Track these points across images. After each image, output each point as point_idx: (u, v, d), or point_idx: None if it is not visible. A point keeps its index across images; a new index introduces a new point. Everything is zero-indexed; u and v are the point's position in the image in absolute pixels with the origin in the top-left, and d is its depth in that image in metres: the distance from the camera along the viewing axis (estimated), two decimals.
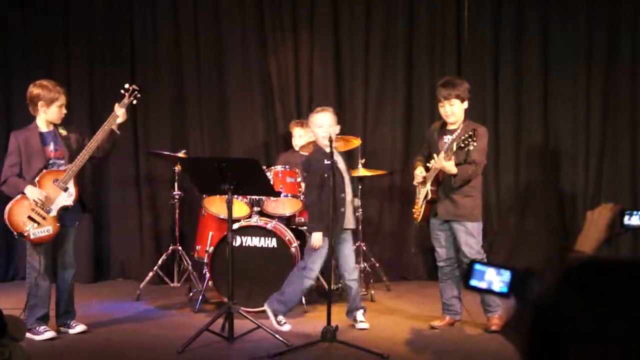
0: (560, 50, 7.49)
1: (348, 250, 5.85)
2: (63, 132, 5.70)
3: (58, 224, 5.51)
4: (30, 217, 5.42)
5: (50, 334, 5.56)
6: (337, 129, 5.76)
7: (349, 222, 5.82)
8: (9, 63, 8.03)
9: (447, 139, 5.68)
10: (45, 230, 5.46)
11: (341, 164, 5.82)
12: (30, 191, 5.44)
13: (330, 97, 7.79)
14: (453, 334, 5.73)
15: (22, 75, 7.69)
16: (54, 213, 5.48)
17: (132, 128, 7.74)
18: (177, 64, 7.96)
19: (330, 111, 5.78)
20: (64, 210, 5.53)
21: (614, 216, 2.18)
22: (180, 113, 7.98)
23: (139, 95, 5.81)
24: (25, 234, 5.43)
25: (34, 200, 5.41)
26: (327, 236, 5.58)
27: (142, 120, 7.84)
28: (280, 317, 5.80)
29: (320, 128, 5.69)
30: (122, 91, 5.80)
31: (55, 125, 5.68)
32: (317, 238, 5.69)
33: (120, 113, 5.64)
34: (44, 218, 5.45)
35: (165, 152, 7.04)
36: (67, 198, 5.52)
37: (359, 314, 5.88)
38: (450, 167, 5.43)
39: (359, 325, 5.79)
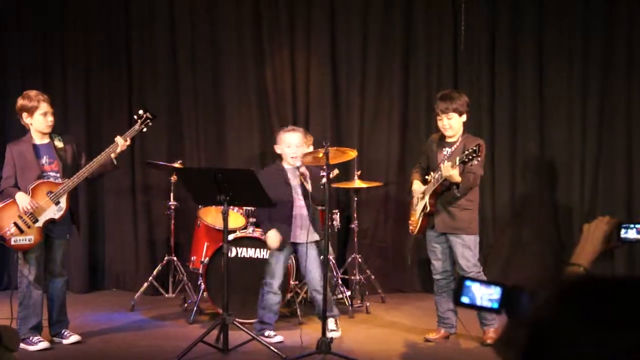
0: (556, 63, 7.51)
1: (311, 262, 5.82)
2: (59, 144, 5.70)
3: (41, 235, 5.50)
4: (15, 224, 5.42)
5: (44, 344, 5.54)
6: (305, 149, 5.96)
7: (304, 235, 5.82)
8: (5, 71, 8.02)
9: (447, 151, 5.68)
10: (27, 239, 5.45)
11: (294, 180, 5.89)
12: (21, 199, 5.43)
13: (327, 108, 7.81)
14: (448, 347, 5.72)
15: (18, 85, 7.69)
16: (39, 224, 5.47)
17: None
18: (173, 73, 7.96)
19: (301, 132, 5.99)
20: (50, 222, 5.52)
21: (610, 229, 2.17)
22: (176, 123, 7.97)
23: (150, 124, 5.82)
24: (6, 239, 5.43)
25: (23, 209, 5.41)
26: (284, 245, 5.83)
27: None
28: (268, 332, 5.82)
29: (289, 148, 5.86)
30: (135, 117, 5.81)
31: (51, 137, 5.68)
32: (271, 236, 5.80)
33: (120, 143, 5.62)
34: (28, 227, 5.44)
35: (161, 162, 7.03)
36: (56, 212, 5.51)
37: (330, 322, 5.85)
38: (456, 175, 5.44)
39: (330, 334, 5.66)
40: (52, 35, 8.01)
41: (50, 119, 5.64)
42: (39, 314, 5.62)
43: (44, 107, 5.61)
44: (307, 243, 5.79)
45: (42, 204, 5.46)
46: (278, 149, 5.99)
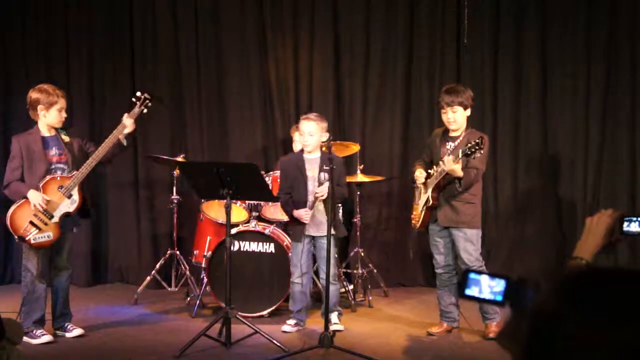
0: (559, 58, 7.49)
1: (325, 254, 5.68)
2: (65, 138, 5.70)
3: (59, 231, 5.52)
4: (32, 222, 5.43)
5: (47, 337, 5.55)
6: (324, 136, 5.81)
7: (321, 228, 5.77)
8: (8, 66, 8.03)
9: (450, 145, 5.68)
10: (46, 235, 5.47)
11: (311, 171, 5.85)
12: (34, 196, 5.43)
13: (329, 103, 7.80)
14: (450, 341, 5.72)
15: (22, 79, 7.74)
16: (55, 219, 5.48)
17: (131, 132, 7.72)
18: (176, 67, 7.96)
19: (314, 120, 5.84)
20: (66, 216, 5.53)
21: (613, 222, 2.17)
22: (179, 117, 7.97)
23: (150, 105, 5.83)
24: (27, 238, 5.43)
25: (35, 207, 5.41)
26: (303, 236, 5.86)
27: (140, 124, 7.79)
28: (288, 321, 5.98)
29: (301, 136, 5.87)
30: (134, 99, 5.81)
31: (57, 131, 5.68)
32: (298, 213, 5.84)
33: (128, 123, 5.64)
34: (45, 224, 5.45)
35: (164, 156, 7.02)
36: (70, 205, 5.52)
37: (334, 316, 5.90)
38: (458, 169, 5.44)
39: (333, 327, 5.75)
40: (55, 29, 8.00)
41: (64, 115, 5.67)
42: (43, 307, 5.63)
43: (62, 102, 5.63)
44: (322, 236, 5.65)
45: (54, 200, 5.47)
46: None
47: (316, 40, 7.86)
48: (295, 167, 5.90)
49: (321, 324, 5.32)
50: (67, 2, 8.00)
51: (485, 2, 7.63)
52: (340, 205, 6.29)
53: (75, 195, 5.53)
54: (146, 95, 5.80)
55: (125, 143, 5.72)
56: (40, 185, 5.47)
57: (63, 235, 5.65)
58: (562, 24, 7.48)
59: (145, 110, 5.84)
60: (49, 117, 5.60)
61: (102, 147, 5.55)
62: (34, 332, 5.53)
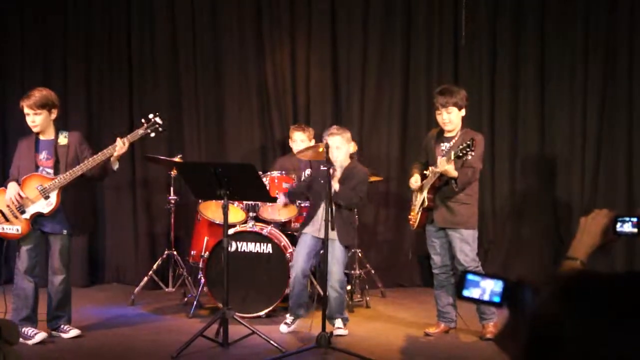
0: (557, 58, 7.51)
1: (331, 260, 5.66)
2: (63, 141, 5.66)
3: (30, 227, 5.51)
4: (1, 212, 5.46)
5: (42, 335, 5.52)
6: (351, 146, 6.00)
7: (318, 231, 5.80)
8: (5, 68, 8.00)
9: (445, 146, 5.69)
10: (14, 228, 5.49)
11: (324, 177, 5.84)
12: (10, 188, 5.50)
13: (327, 103, 7.80)
14: (448, 341, 5.73)
15: (18, 80, 7.73)
16: (27, 215, 5.48)
17: (129, 132, 7.69)
18: (174, 68, 7.95)
19: (337, 133, 5.87)
20: (38, 216, 5.51)
21: (608, 222, 2.16)
22: (176, 117, 7.95)
23: (160, 130, 5.69)
24: None
25: (8, 199, 5.45)
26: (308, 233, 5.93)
27: (138, 124, 7.80)
28: (287, 320, 5.97)
29: (331, 148, 5.81)
30: (143, 120, 5.72)
31: (58, 133, 5.67)
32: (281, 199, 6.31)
33: (119, 144, 5.52)
34: (15, 217, 5.47)
35: (162, 157, 7.01)
36: (45, 206, 5.50)
37: (337, 322, 5.86)
38: (452, 170, 5.44)
39: (336, 332, 5.75)
40: (52, 32, 7.98)
41: (31, 121, 5.58)
42: (30, 305, 5.59)
43: (26, 109, 5.56)
44: (324, 240, 5.47)
45: (30, 196, 5.46)
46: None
47: (313, 42, 7.86)
48: (322, 177, 5.85)
49: (319, 324, 5.31)
50: (65, 4, 7.98)
51: (483, 2, 7.63)
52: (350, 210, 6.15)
53: (53, 198, 5.50)
54: (157, 119, 5.65)
55: (115, 167, 5.62)
56: (21, 179, 5.50)
57: (48, 236, 5.65)
58: (559, 25, 7.49)
59: (152, 135, 5.73)
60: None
61: (89, 161, 5.48)
62: (25, 331, 5.49)
